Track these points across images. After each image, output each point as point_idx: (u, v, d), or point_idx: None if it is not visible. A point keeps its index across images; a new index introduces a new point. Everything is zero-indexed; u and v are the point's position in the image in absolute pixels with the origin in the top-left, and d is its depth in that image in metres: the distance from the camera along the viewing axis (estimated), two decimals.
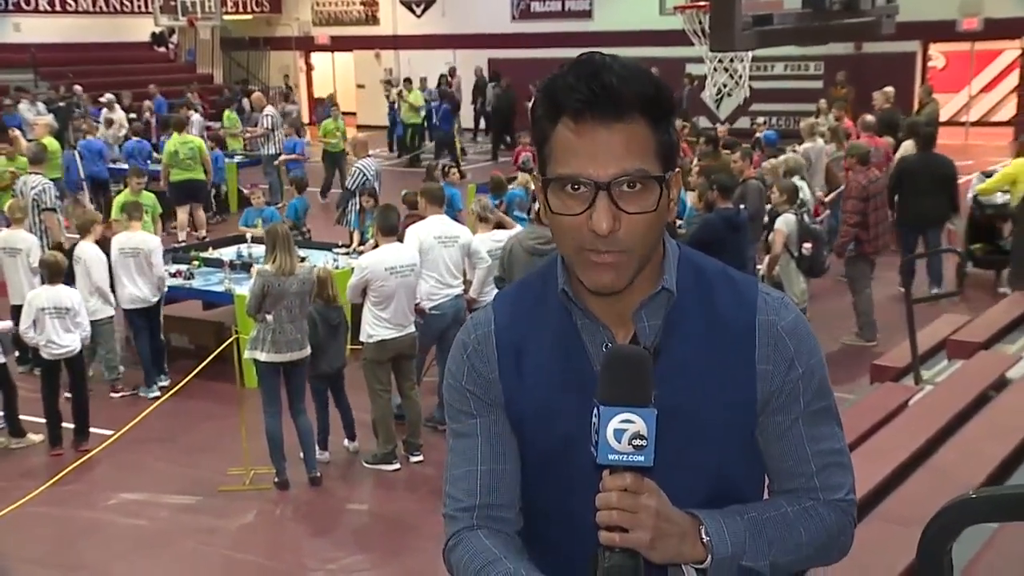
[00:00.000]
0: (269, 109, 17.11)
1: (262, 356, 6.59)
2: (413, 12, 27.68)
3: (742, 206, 9.12)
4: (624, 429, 1.41)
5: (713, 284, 1.65)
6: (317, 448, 7.08)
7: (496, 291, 7.54)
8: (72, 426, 7.52)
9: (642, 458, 1.41)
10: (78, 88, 21.03)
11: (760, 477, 1.73)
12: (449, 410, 1.75)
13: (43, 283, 7.48)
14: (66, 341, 7.33)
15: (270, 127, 16.37)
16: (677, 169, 1.57)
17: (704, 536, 1.53)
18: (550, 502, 1.69)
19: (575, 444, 1.55)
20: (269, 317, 6.55)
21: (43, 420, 7.52)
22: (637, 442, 1.41)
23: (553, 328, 1.65)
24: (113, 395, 8.45)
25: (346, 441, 7.36)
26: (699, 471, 1.61)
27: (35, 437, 7.57)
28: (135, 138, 15.59)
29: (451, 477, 1.74)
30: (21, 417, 7.58)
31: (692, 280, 1.63)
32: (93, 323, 7.75)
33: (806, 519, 1.64)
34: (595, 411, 1.43)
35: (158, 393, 8.34)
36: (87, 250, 8.18)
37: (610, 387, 1.43)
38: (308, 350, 6.73)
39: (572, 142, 1.49)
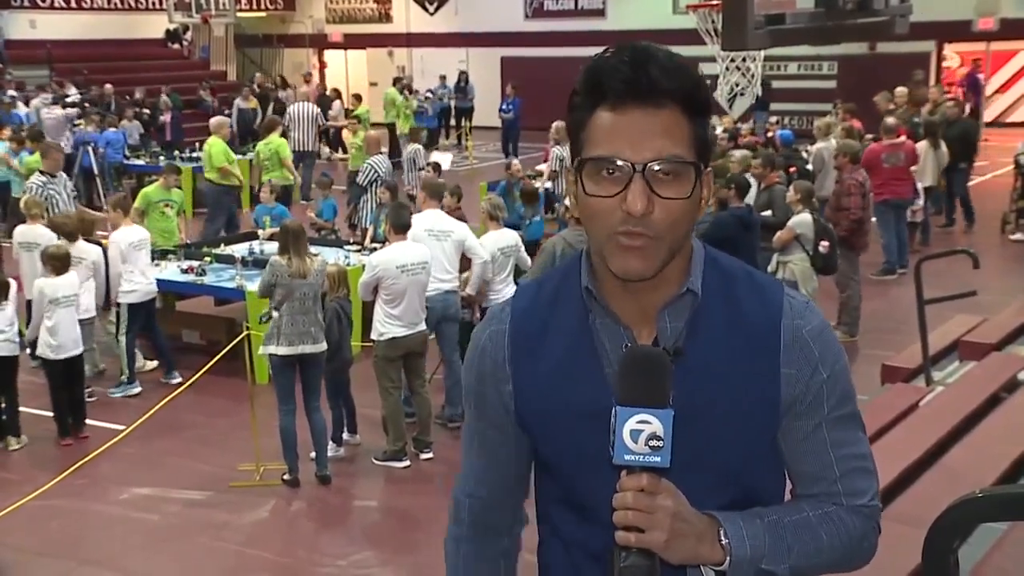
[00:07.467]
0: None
1: (279, 350, 6.55)
2: (426, 10, 27.71)
3: (768, 212, 9.12)
4: (640, 430, 1.41)
5: (738, 285, 1.63)
6: (332, 444, 7.10)
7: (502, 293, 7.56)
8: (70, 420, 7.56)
9: (659, 459, 1.41)
10: (108, 87, 21.28)
11: (782, 481, 1.72)
12: (466, 393, 1.79)
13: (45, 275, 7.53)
14: (75, 335, 7.42)
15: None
16: (709, 168, 1.57)
17: (723, 538, 1.52)
18: (567, 501, 1.69)
19: (590, 442, 1.55)
20: (276, 313, 6.54)
21: (39, 412, 7.61)
22: (654, 443, 1.41)
23: (570, 326, 1.64)
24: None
25: (346, 434, 7.38)
26: (720, 473, 1.60)
27: (23, 438, 7.53)
28: (113, 129, 16.28)
29: (466, 461, 1.85)
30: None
31: (717, 281, 1.62)
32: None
33: (828, 524, 1.62)
34: (612, 411, 1.42)
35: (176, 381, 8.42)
36: (87, 250, 8.26)
37: (627, 388, 1.43)
38: (323, 344, 6.69)
39: (610, 124, 1.49)
